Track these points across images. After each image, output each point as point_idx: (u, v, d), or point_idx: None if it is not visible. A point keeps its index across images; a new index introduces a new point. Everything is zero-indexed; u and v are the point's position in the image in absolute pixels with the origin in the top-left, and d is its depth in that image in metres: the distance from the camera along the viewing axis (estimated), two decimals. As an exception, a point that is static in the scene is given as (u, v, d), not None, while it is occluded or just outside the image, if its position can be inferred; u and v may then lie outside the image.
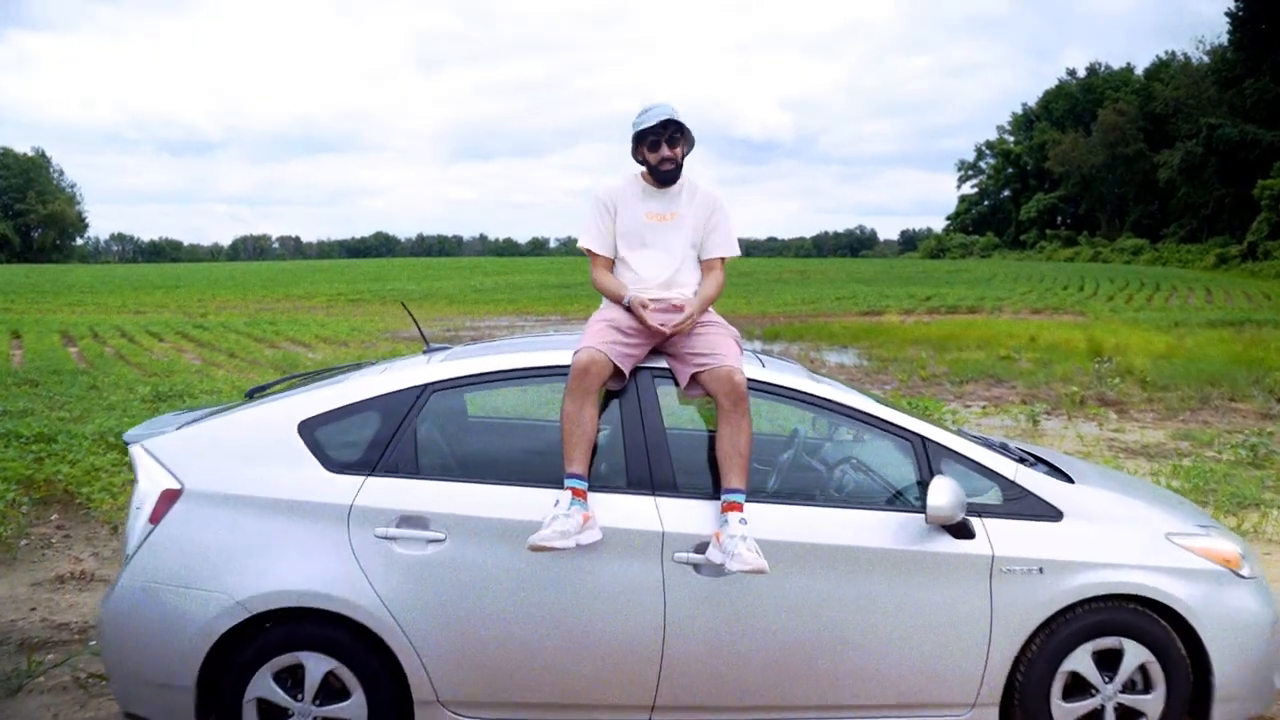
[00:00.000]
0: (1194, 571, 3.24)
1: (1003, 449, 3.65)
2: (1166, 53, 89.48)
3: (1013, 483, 3.28)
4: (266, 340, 20.16)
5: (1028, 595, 3.14)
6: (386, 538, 3.04)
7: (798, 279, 48.20)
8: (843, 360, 17.01)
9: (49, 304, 34.40)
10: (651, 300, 3.32)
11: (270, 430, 3.22)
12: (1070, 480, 3.46)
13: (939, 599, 3.13)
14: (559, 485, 3.07)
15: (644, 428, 3.23)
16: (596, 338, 3.23)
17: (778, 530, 3.10)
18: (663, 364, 3.34)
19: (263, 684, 3.03)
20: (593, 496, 3.08)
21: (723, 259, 3.52)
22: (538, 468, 3.30)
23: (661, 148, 3.38)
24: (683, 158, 3.45)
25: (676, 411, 3.51)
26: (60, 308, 32.51)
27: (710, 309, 3.48)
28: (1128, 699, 3.22)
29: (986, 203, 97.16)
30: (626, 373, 3.23)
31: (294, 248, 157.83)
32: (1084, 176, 79.72)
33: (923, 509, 3.12)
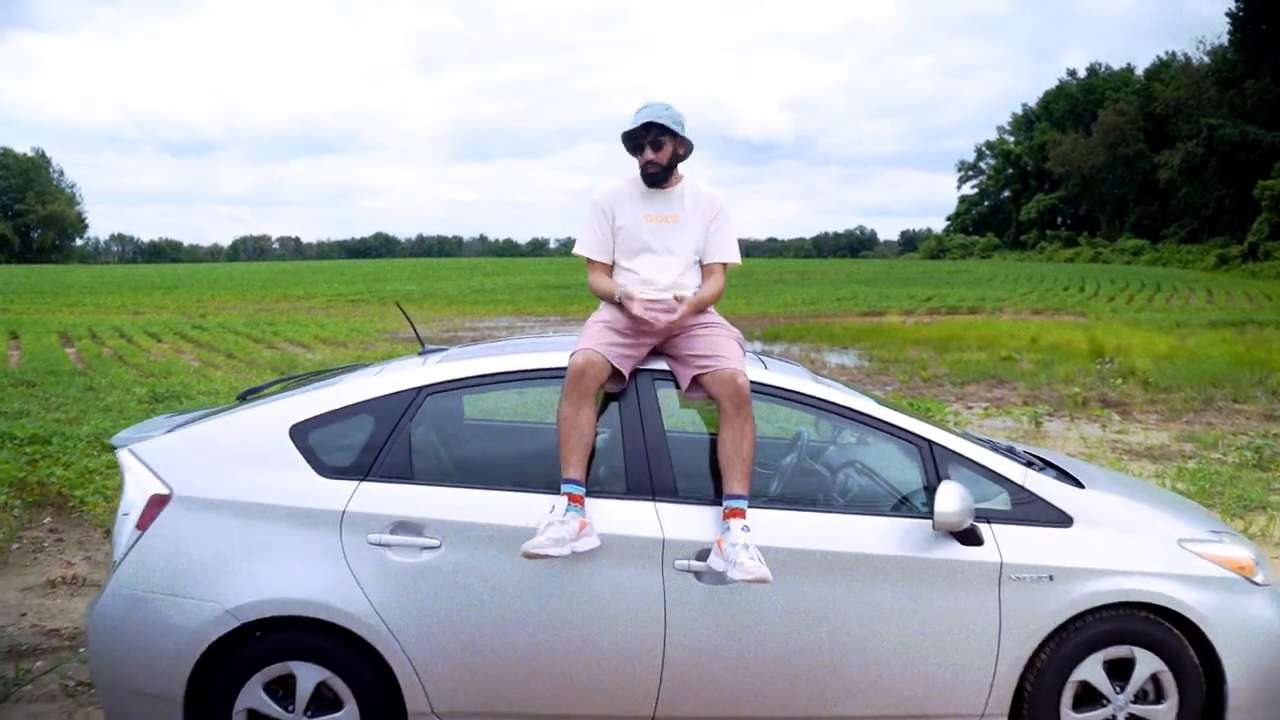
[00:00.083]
0: (1207, 579, 3.17)
1: (1010, 452, 3.58)
2: (1167, 53, 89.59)
3: (1021, 487, 3.21)
4: (265, 341, 20.09)
5: (1037, 603, 3.06)
6: (380, 544, 2.97)
7: (798, 279, 48.12)
8: (843, 361, 16.94)
9: (48, 304, 34.32)
10: (650, 301, 3.25)
11: (261, 434, 3.15)
12: (1080, 485, 3.39)
13: (946, 607, 3.06)
14: (557, 491, 3.00)
15: (644, 431, 3.15)
16: (594, 339, 3.15)
17: (780, 536, 3.02)
18: (663, 366, 3.27)
19: (253, 694, 2.95)
20: (591, 502, 3.01)
21: (724, 264, 3.43)
22: (535, 472, 3.22)
23: (645, 150, 3.31)
24: (675, 160, 3.35)
25: (677, 414, 3.44)
26: (59, 308, 32.43)
27: (712, 310, 3.40)
28: (1139, 709, 3.15)
29: (987, 203, 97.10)
30: (625, 375, 3.16)
31: (294, 248, 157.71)
32: (1084, 177, 79.67)
33: (929, 515, 3.05)
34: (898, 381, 13.88)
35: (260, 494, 3.02)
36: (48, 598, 4.87)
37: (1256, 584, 3.23)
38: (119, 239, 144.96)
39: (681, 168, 3.43)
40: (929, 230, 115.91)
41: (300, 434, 3.11)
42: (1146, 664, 3.12)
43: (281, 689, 2.98)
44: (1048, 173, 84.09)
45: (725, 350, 3.17)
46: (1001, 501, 3.21)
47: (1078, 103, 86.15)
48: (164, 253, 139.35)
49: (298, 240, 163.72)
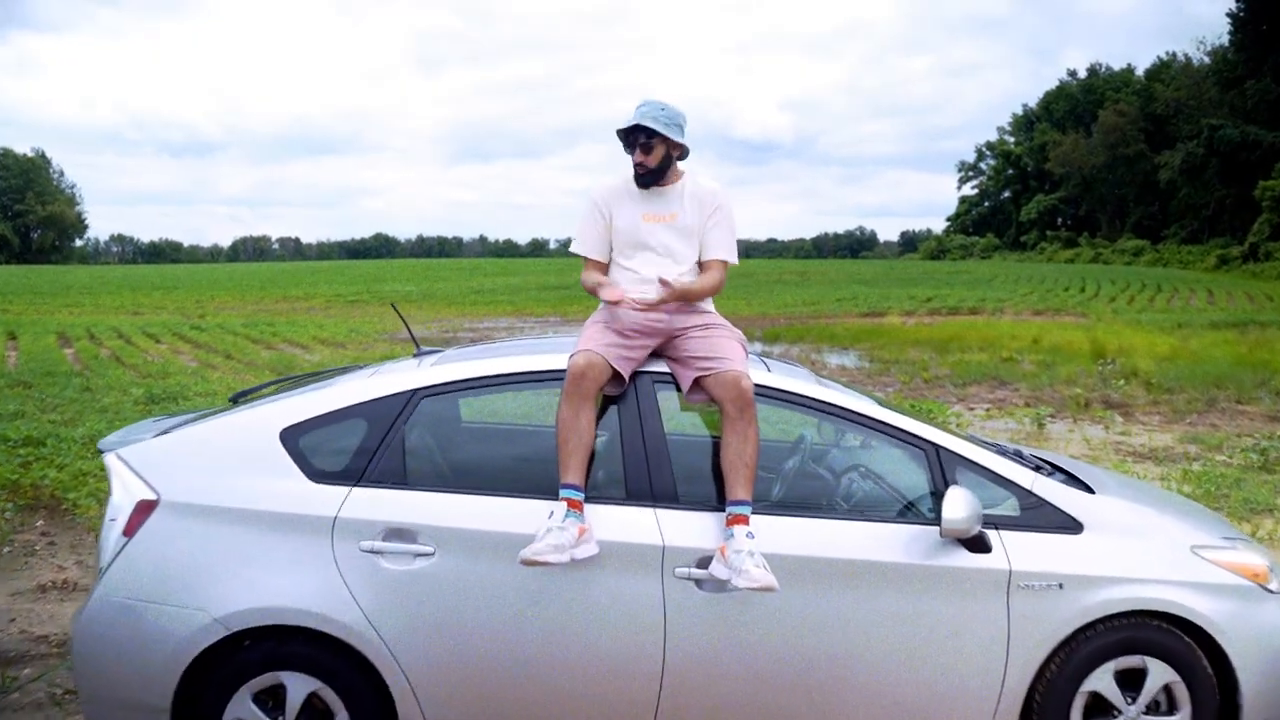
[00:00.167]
0: (1221, 586, 3.09)
1: (1017, 456, 3.50)
2: (1167, 53, 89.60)
3: (1030, 493, 3.13)
4: (264, 342, 20.01)
5: (1047, 612, 2.98)
6: (372, 551, 2.89)
7: (798, 280, 48.04)
8: (844, 362, 16.86)
9: (47, 305, 34.24)
10: (656, 309, 3.17)
11: (251, 438, 3.07)
12: (1089, 490, 3.31)
13: (953, 616, 2.98)
14: (554, 496, 2.92)
15: (643, 435, 3.07)
16: (593, 340, 3.08)
17: (782, 543, 2.95)
18: (663, 368, 3.19)
19: (242, 705, 2.88)
20: (589, 508, 2.93)
21: (721, 261, 3.33)
22: (532, 477, 3.15)
23: (635, 151, 3.23)
24: (667, 162, 3.26)
25: (677, 417, 3.37)
26: (58, 309, 32.36)
27: (714, 311, 3.32)
28: (1151, 720, 3.07)
29: (987, 204, 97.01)
30: (626, 377, 3.08)
31: (294, 249, 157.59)
32: (1084, 177, 79.61)
33: (936, 521, 2.97)
34: (899, 383, 13.81)
35: (250, 499, 2.95)
36: (37, 603, 4.79)
37: (1271, 591, 3.15)
38: (119, 239, 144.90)
39: (683, 165, 3.35)
40: (929, 231, 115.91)
41: (291, 438, 3.04)
42: (1159, 674, 3.05)
43: (271, 700, 2.91)
44: (1048, 173, 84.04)
45: (727, 352, 3.10)
46: (1010, 507, 3.13)
47: (1078, 103, 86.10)
48: (164, 253, 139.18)
49: (298, 241, 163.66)
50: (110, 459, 3.08)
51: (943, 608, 2.98)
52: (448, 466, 3.27)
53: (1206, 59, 71.96)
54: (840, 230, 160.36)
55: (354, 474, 2.99)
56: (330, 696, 2.90)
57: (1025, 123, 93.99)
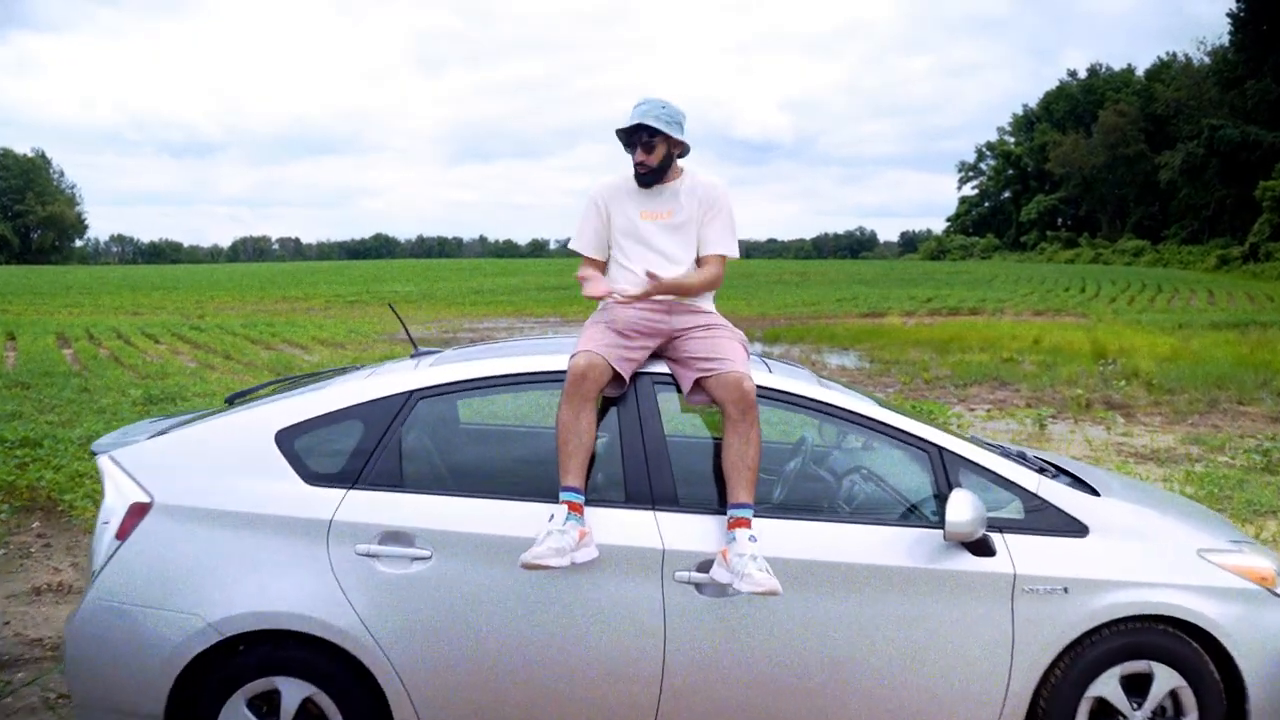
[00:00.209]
0: (1228, 590, 3.05)
1: (1020, 458, 3.46)
2: (1167, 53, 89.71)
3: (1035, 495, 3.10)
4: (263, 342, 19.97)
5: (1052, 616, 2.95)
6: (368, 555, 2.86)
7: (798, 280, 48.00)
8: (844, 363, 16.83)
9: (46, 305, 34.18)
10: (640, 300, 3.14)
11: (246, 440, 3.03)
12: (1095, 492, 3.27)
13: (956, 620, 2.94)
14: (553, 498, 2.88)
15: (643, 437, 3.03)
16: (594, 340, 3.04)
17: (783, 546, 2.91)
18: (663, 369, 3.15)
19: (236, 711, 2.84)
20: (588, 511, 2.89)
21: (719, 257, 3.27)
22: (531, 480, 3.11)
23: (637, 150, 3.19)
24: (668, 160, 3.22)
25: (677, 419, 3.33)
26: (57, 309, 32.30)
27: (715, 312, 3.29)
28: (1157, 726, 3.04)
29: (987, 204, 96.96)
30: (626, 378, 3.04)
31: (294, 249, 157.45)
32: (1085, 178, 79.57)
33: (939, 524, 2.93)
34: (899, 383, 13.78)
35: (244, 502, 2.91)
36: (32, 605, 4.75)
37: (1278, 595, 3.11)
38: (119, 240, 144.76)
39: (683, 162, 3.31)
40: (929, 231, 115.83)
41: (286, 440, 3.00)
42: (1165, 679, 3.01)
43: (266, 705, 2.87)
44: (1048, 173, 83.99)
45: (729, 353, 3.06)
46: (1014, 510, 3.09)
47: (1078, 103, 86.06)
48: (164, 253, 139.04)
49: (298, 241, 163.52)
50: (104, 461, 3.05)
51: (946, 612, 2.94)
52: (445, 469, 3.23)
53: (1207, 59, 71.99)
54: (840, 230, 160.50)
55: (350, 476, 2.95)
56: (325, 702, 2.86)
57: (1025, 123, 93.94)
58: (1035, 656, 2.95)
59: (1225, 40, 66.71)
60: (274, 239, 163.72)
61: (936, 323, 24.98)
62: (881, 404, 3.34)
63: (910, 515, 3.13)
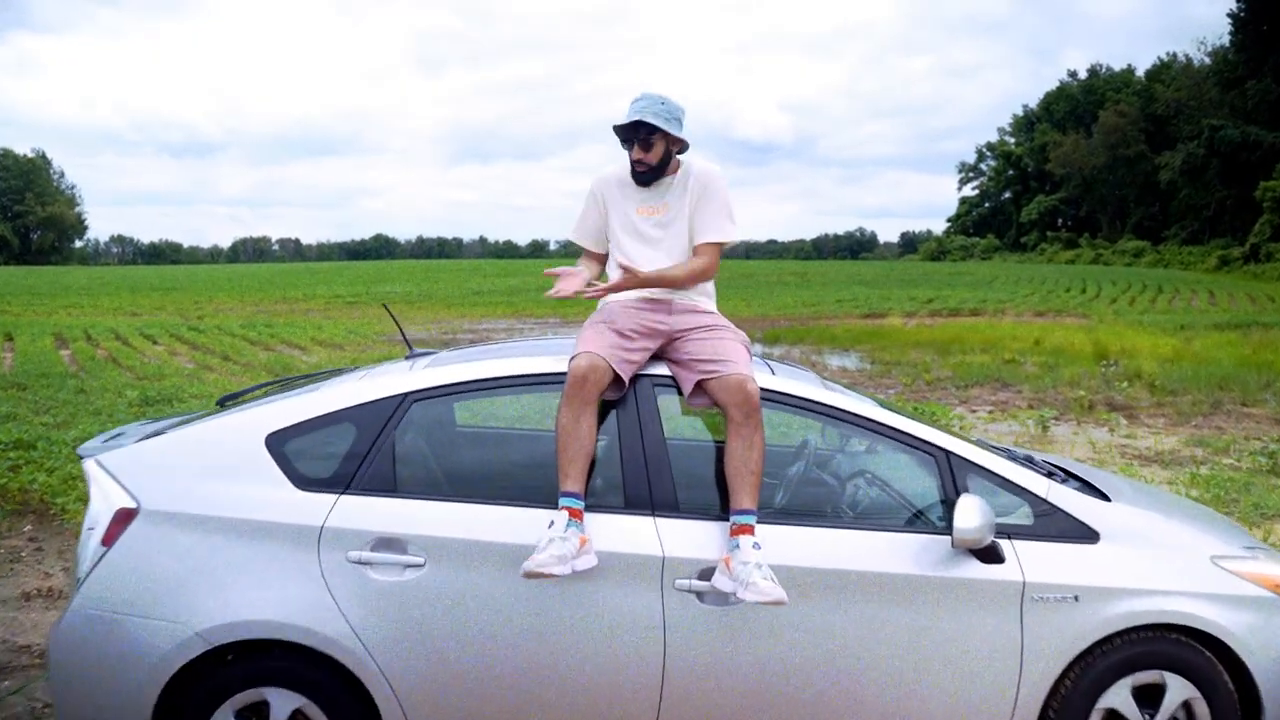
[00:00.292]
0: (1242, 598, 2.97)
1: (1029, 462, 3.39)
2: (1168, 54, 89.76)
3: (1045, 501, 3.02)
4: (261, 343, 19.89)
5: (1062, 625, 2.87)
6: (360, 562, 2.78)
7: (798, 281, 47.88)
8: (845, 364, 16.75)
9: (45, 306, 34.09)
10: (640, 300, 3.07)
11: (235, 444, 2.96)
12: (1105, 497, 3.20)
13: (964, 629, 2.86)
14: (550, 504, 2.81)
15: (643, 441, 2.96)
16: (594, 341, 2.96)
17: (786, 553, 2.83)
18: (663, 370, 3.08)
19: (224, 722, 2.76)
20: (586, 516, 2.82)
21: (715, 244, 3.16)
22: (529, 485, 3.04)
23: (635, 148, 3.12)
24: (667, 158, 3.15)
25: (677, 421, 3.25)
26: (56, 310, 32.21)
27: (716, 313, 3.21)
28: (1170, 738, 2.96)
29: (987, 205, 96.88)
30: (626, 380, 2.96)
31: (294, 250, 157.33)
32: (1085, 178, 79.49)
33: (946, 530, 2.86)
34: (901, 384, 13.70)
35: (233, 508, 2.83)
36: (21, 611, 4.68)
37: (1294, 603, 3.03)
38: (119, 240, 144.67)
39: (682, 157, 3.24)
40: (929, 232, 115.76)
41: (277, 443, 2.92)
42: (1178, 690, 2.93)
43: (255, 716, 2.79)
44: (1048, 174, 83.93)
45: (732, 354, 2.98)
46: (1023, 516, 3.02)
47: (1078, 104, 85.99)
48: (164, 254, 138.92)
49: (297, 242, 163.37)
50: (89, 465, 2.97)
51: (953, 621, 2.86)
52: (440, 473, 3.16)
53: (1207, 59, 71.92)
54: (840, 231, 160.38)
55: (342, 481, 2.88)
56: (315, 713, 2.78)
57: (1025, 123, 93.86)
58: (1045, 666, 2.87)
59: (1225, 40, 66.74)
60: (274, 239, 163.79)
61: (937, 324, 24.90)
62: (886, 406, 3.26)
63: (916, 521, 3.06)
